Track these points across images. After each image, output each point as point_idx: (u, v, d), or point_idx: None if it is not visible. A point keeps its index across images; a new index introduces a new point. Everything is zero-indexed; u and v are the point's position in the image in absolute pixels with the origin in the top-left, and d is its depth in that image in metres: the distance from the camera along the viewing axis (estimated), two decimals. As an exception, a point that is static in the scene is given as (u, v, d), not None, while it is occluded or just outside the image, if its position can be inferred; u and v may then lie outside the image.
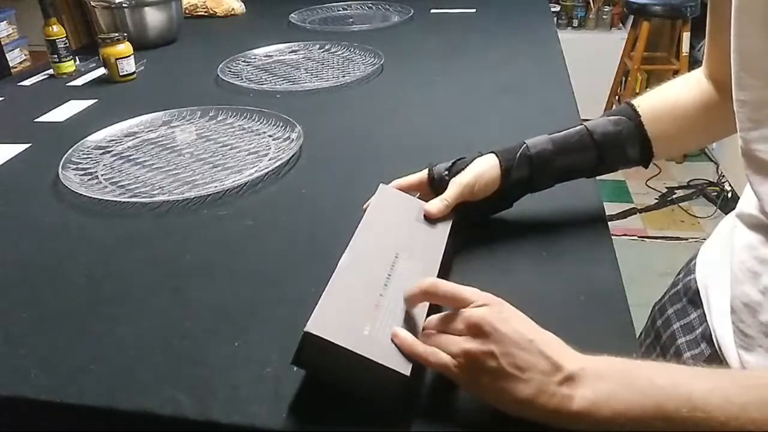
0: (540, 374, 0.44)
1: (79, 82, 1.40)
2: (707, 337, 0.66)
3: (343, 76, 1.30)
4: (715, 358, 0.63)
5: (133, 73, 1.39)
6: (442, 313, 0.51)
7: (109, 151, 1.01)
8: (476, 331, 0.47)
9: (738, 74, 0.53)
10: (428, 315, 0.55)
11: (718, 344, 0.63)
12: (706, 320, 0.67)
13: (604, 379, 0.44)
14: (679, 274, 0.77)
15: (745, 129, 0.53)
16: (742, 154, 0.55)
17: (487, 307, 0.49)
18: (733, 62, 0.53)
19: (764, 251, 0.55)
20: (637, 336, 0.80)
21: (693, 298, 0.71)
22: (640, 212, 2.73)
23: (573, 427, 0.44)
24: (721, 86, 0.67)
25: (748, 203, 0.59)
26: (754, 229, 0.57)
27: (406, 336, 0.50)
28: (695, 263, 0.73)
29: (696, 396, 0.42)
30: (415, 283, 0.53)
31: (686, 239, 2.52)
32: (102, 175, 0.93)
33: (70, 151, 0.98)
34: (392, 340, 0.50)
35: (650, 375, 0.44)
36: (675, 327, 0.72)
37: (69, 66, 1.43)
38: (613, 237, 0.72)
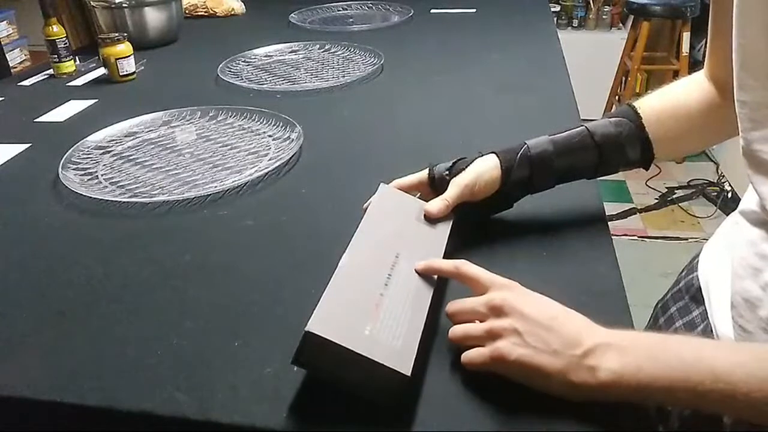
0: (563, 348, 0.46)
1: (79, 82, 1.40)
2: (708, 334, 0.66)
3: (343, 76, 1.30)
4: None
5: (133, 73, 1.39)
6: (463, 299, 0.54)
7: (109, 151, 1.01)
8: (498, 311, 0.50)
9: (739, 75, 0.53)
10: (430, 311, 0.55)
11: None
12: (708, 317, 0.67)
13: (630, 352, 0.46)
14: (682, 272, 0.77)
15: (746, 129, 0.54)
16: (743, 154, 0.55)
17: (508, 289, 0.52)
18: (734, 63, 0.53)
19: (765, 247, 0.55)
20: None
21: (695, 296, 0.71)
22: (640, 212, 2.73)
23: (599, 398, 0.46)
24: (723, 88, 0.67)
25: (750, 200, 0.59)
26: (756, 226, 0.57)
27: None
28: (698, 261, 0.73)
29: (719, 369, 0.43)
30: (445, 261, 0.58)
31: (686, 239, 2.52)
32: (102, 175, 0.93)
33: (70, 151, 0.98)
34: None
35: (675, 348, 0.46)
36: (677, 325, 0.72)
37: (69, 66, 1.43)
38: (613, 237, 0.72)
